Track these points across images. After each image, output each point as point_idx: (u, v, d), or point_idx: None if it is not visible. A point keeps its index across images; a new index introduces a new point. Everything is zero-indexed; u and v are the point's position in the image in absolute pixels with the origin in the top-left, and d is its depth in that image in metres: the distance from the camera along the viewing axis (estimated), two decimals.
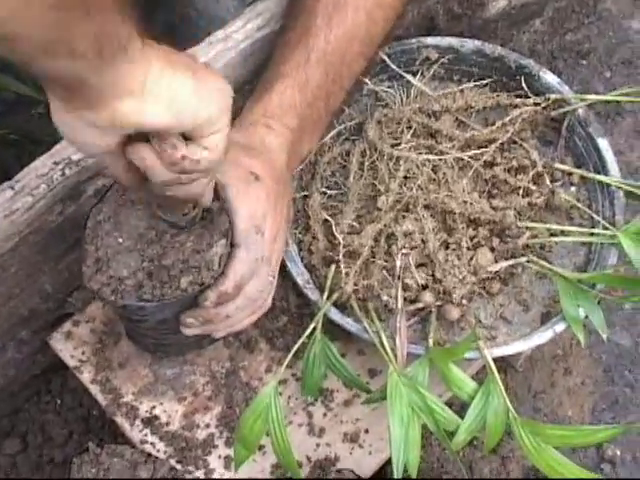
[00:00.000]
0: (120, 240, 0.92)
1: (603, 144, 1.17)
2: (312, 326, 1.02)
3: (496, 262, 1.08)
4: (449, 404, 1.02)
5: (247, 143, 1.00)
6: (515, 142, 1.17)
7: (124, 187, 0.91)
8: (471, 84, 1.23)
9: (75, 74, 0.63)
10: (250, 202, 0.95)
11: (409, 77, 1.22)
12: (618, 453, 1.31)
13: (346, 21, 1.06)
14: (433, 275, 1.07)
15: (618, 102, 1.56)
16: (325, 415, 1.10)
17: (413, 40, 1.25)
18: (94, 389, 1.11)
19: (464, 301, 1.06)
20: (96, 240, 0.92)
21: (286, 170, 1.04)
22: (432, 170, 1.12)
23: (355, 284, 1.04)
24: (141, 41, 0.66)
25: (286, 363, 1.01)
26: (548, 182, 1.14)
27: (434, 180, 1.12)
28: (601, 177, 1.16)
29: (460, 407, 1.00)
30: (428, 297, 1.06)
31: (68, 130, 0.71)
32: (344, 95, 1.11)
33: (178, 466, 1.05)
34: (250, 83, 1.17)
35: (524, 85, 1.21)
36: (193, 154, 0.74)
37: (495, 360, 1.02)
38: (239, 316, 0.98)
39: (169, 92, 0.69)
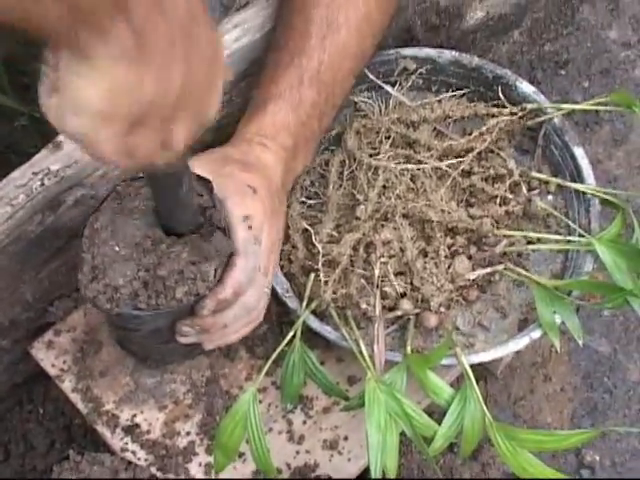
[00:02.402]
0: (117, 249, 0.92)
1: (579, 152, 1.18)
2: (291, 334, 1.03)
3: (474, 270, 1.10)
4: (429, 412, 1.02)
5: (243, 158, 1.00)
6: (492, 151, 1.18)
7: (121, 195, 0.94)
8: (449, 94, 1.24)
9: None
10: (248, 213, 0.96)
11: (388, 87, 1.24)
12: (597, 458, 1.32)
13: (339, 41, 1.07)
14: (411, 283, 1.08)
15: (596, 111, 1.58)
16: (305, 422, 1.10)
17: (391, 51, 1.26)
18: (75, 398, 1.11)
19: (442, 309, 1.07)
20: (93, 248, 0.92)
21: (281, 187, 1.05)
22: (410, 179, 1.13)
23: (334, 292, 1.05)
24: None
25: (265, 370, 1.01)
26: (525, 191, 1.15)
27: (412, 189, 1.13)
28: (577, 185, 1.17)
29: (442, 415, 1.01)
30: (406, 305, 1.07)
31: None
32: (335, 112, 1.12)
33: (159, 474, 1.05)
34: (228, 94, 1.18)
35: (501, 95, 1.22)
36: None
37: (474, 367, 1.03)
38: (235, 326, 0.98)
39: None
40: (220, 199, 0.95)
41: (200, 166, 0.97)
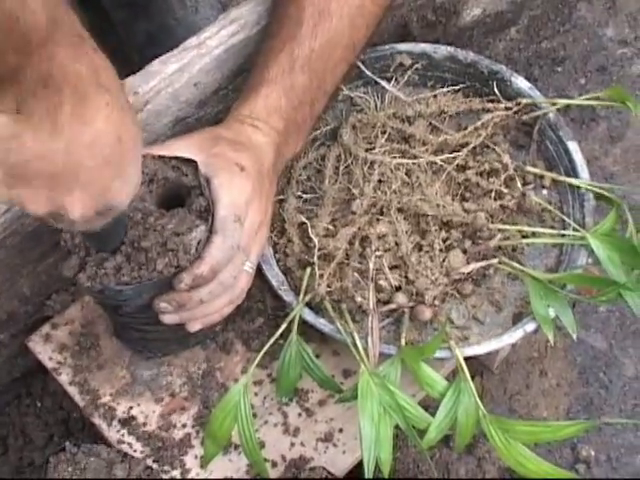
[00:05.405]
0: None
1: (573, 147, 1.19)
2: (283, 326, 1.03)
3: (468, 264, 1.10)
4: (424, 405, 1.03)
5: (234, 138, 1.02)
6: (487, 146, 1.19)
7: None
8: (444, 90, 1.25)
9: None
10: (233, 191, 0.97)
11: (383, 83, 1.24)
12: (592, 453, 1.32)
13: (330, 29, 1.08)
14: (406, 277, 1.08)
15: (593, 108, 1.59)
16: (300, 415, 1.11)
17: (387, 47, 1.27)
18: (72, 390, 1.12)
19: (436, 302, 1.07)
20: None
21: (272, 169, 1.06)
22: (406, 174, 1.14)
23: (329, 286, 1.06)
24: None
25: (256, 362, 1.02)
26: (520, 185, 1.16)
27: (408, 184, 1.14)
28: (571, 180, 1.17)
29: (437, 409, 1.02)
30: (401, 298, 1.07)
31: None
32: (327, 99, 1.13)
33: (154, 465, 1.06)
34: (225, 89, 1.18)
35: (496, 90, 1.23)
36: None
37: (470, 362, 1.03)
38: (213, 304, 0.99)
39: None
40: (206, 177, 0.96)
41: (190, 144, 1.00)
